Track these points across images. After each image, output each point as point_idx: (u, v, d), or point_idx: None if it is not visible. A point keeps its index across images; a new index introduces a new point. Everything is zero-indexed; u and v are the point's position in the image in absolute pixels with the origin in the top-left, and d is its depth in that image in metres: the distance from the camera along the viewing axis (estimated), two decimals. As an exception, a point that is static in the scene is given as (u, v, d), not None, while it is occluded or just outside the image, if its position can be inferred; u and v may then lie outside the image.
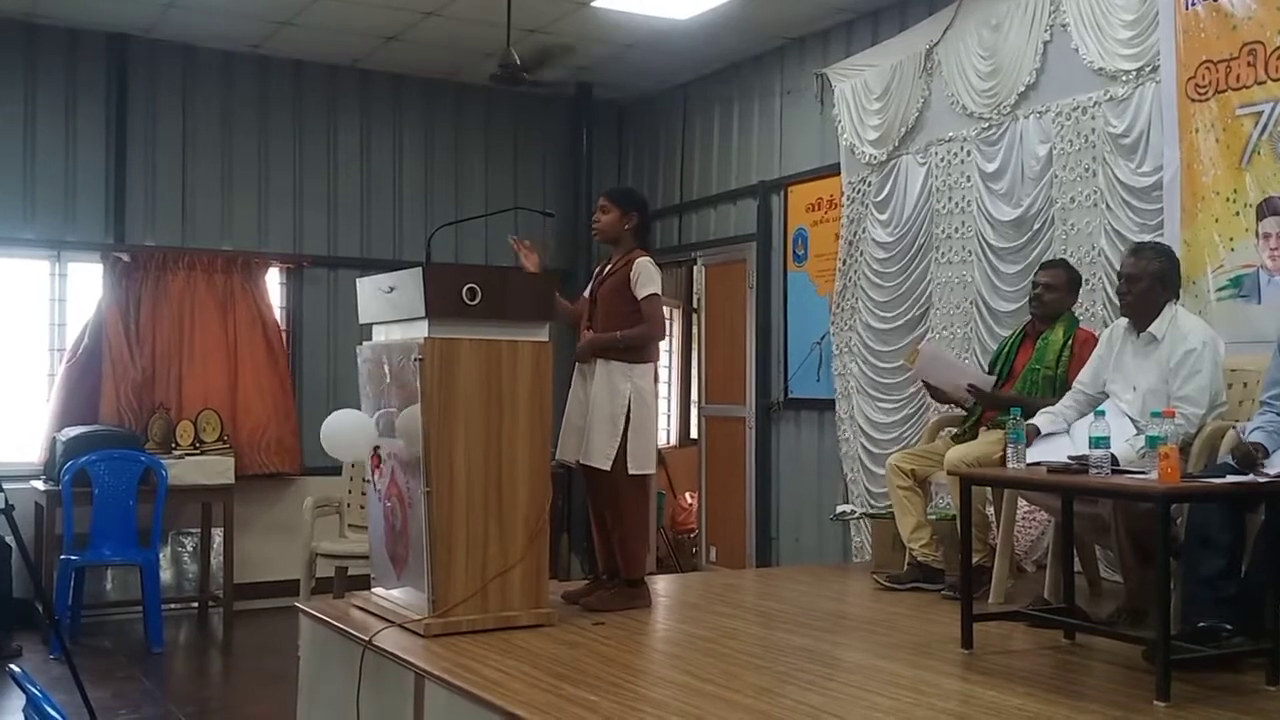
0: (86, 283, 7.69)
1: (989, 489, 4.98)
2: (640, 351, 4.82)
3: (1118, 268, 4.70)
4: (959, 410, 5.37)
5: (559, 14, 7.15)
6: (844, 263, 7.06)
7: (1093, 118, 5.61)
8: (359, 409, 4.80)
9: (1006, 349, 5.32)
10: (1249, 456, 3.75)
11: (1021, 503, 5.10)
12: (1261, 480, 3.62)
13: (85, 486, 6.72)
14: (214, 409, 7.67)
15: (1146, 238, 5.06)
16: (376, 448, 4.57)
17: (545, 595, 4.47)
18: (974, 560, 4.42)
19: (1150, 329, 4.36)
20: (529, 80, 6.86)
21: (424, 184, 8.69)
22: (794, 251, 7.67)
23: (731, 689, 3.58)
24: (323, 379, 8.23)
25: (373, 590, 4.73)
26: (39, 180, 7.54)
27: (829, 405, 7.20)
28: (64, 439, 6.94)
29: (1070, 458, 3.96)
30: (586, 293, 5.06)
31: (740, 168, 8.17)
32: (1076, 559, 4.71)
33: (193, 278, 7.80)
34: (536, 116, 9.06)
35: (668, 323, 10.20)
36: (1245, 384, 4.42)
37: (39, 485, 7.05)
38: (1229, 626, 3.64)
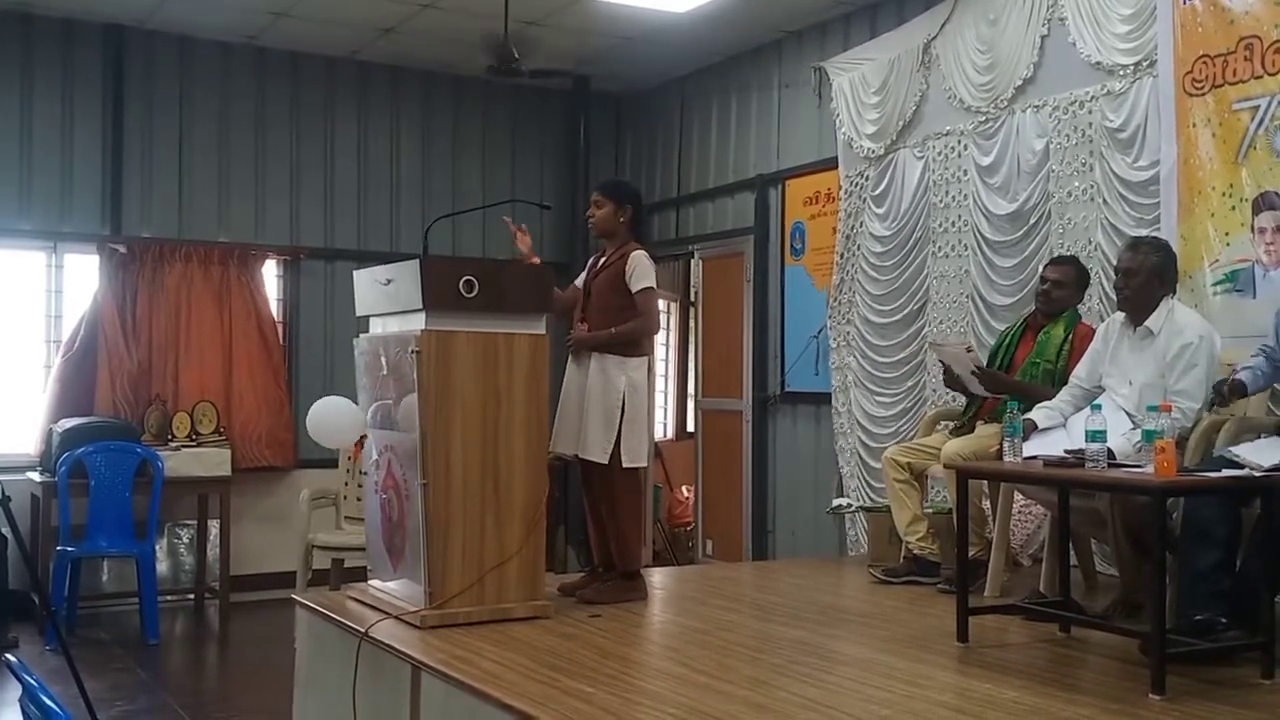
0: (83, 274, 7.68)
1: (985, 483, 4.98)
2: (635, 345, 4.82)
3: (1114, 262, 4.70)
4: (956, 404, 5.38)
5: (557, 6, 7.15)
6: (841, 256, 7.07)
7: (1090, 112, 5.61)
8: (353, 399, 4.81)
9: (1006, 342, 5.31)
10: (1226, 392, 4.02)
11: (1018, 497, 5.11)
12: (1257, 474, 3.63)
13: (81, 478, 6.71)
14: (210, 401, 7.67)
15: (1143, 232, 5.06)
16: (363, 436, 4.56)
17: (542, 587, 4.46)
18: (970, 554, 4.42)
19: (1147, 323, 4.37)
20: (526, 72, 6.84)
21: (421, 176, 8.69)
22: (791, 245, 7.67)
23: (727, 681, 3.58)
24: (319, 371, 8.22)
25: (369, 582, 4.73)
26: (35, 171, 7.52)
27: (826, 399, 7.20)
28: (60, 431, 6.94)
29: (1067, 451, 3.97)
30: (579, 282, 5.06)
31: (738, 161, 8.17)
32: (1073, 553, 4.72)
33: (189, 269, 7.79)
34: (534, 109, 9.05)
35: (663, 315, 10.21)
36: (1241, 378, 4.43)
37: (35, 477, 7.05)
38: (1224, 620, 3.65)
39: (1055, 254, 5.49)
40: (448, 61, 8.36)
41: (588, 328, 4.86)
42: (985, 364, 5.24)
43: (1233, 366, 4.24)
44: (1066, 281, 5.10)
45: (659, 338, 10.05)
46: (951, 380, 5.26)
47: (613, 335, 4.75)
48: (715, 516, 8.41)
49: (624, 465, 4.74)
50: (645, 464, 4.94)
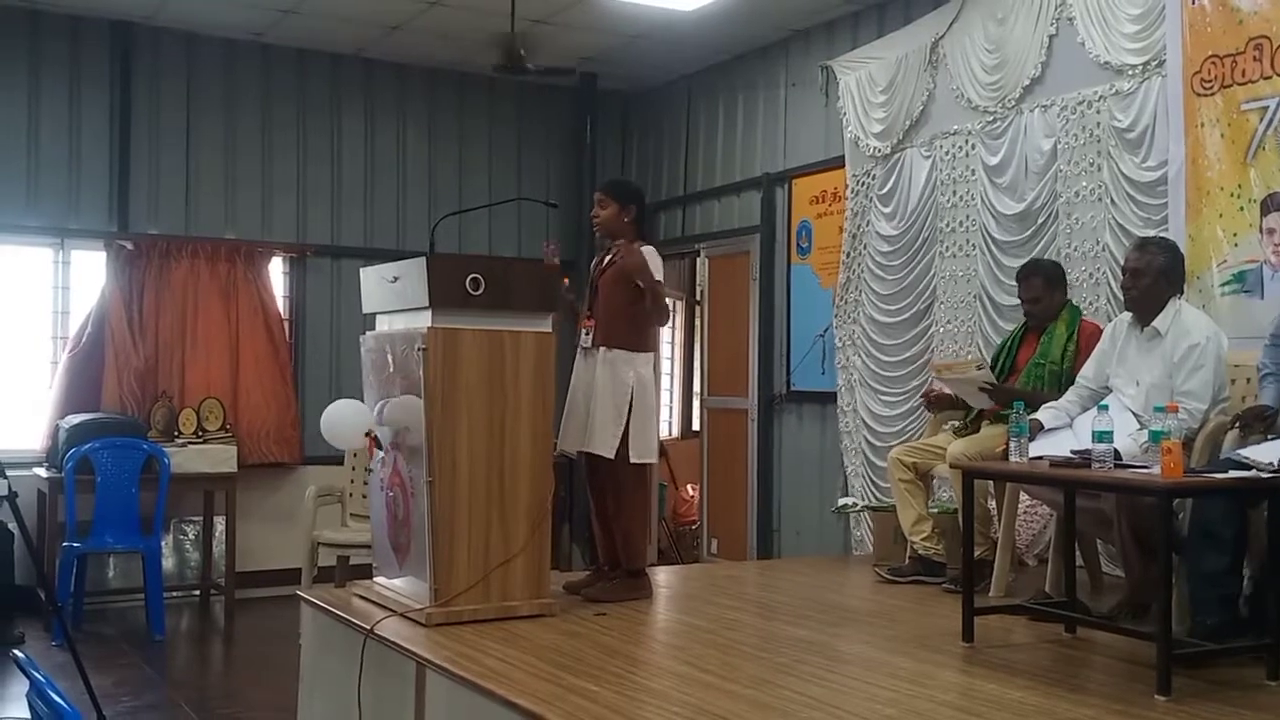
0: (90, 270, 7.69)
1: (991, 483, 4.97)
2: (643, 339, 4.82)
3: (1122, 262, 4.69)
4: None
5: (563, 4, 7.14)
6: (848, 255, 7.06)
7: (1098, 112, 5.60)
8: (361, 398, 4.81)
9: (1008, 344, 5.31)
10: (1257, 419, 3.91)
11: (1023, 497, 5.09)
12: (1264, 475, 3.61)
13: (88, 474, 6.73)
14: (217, 398, 7.68)
15: (1151, 233, 5.05)
16: (369, 431, 4.56)
17: (547, 585, 4.47)
18: (975, 554, 4.42)
19: (1154, 324, 4.36)
20: (533, 70, 6.84)
21: (427, 174, 8.69)
22: (798, 244, 7.66)
23: (732, 680, 3.58)
24: (326, 368, 8.23)
25: (374, 579, 4.74)
26: (43, 168, 7.54)
27: (831, 398, 7.20)
28: (67, 426, 6.95)
29: (1073, 452, 3.96)
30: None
31: (744, 160, 8.16)
32: (1078, 553, 4.71)
33: (196, 266, 7.80)
34: (540, 106, 9.05)
35: (670, 314, 10.19)
36: (1248, 379, 4.41)
37: (42, 472, 7.06)
38: (1234, 623, 3.65)
39: (1028, 262, 5.39)
40: (454, 59, 8.36)
41: (594, 324, 4.86)
42: (989, 369, 5.22)
43: (1256, 369, 4.22)
44: (1038, 295, 5.10)
45: (664, 335, 10.05)
46: (939, 401, 5.28)
47: (655, 284, 4.70)
48: (720, 515, 8.41)
49: (632, 461, 4.73)
50: (653, 460, 4.94)
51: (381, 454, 4.59)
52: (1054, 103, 5.82)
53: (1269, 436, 4.02)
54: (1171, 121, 5.20)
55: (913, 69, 6.64)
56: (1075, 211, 5.69)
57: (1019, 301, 5.27)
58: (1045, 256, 5.63)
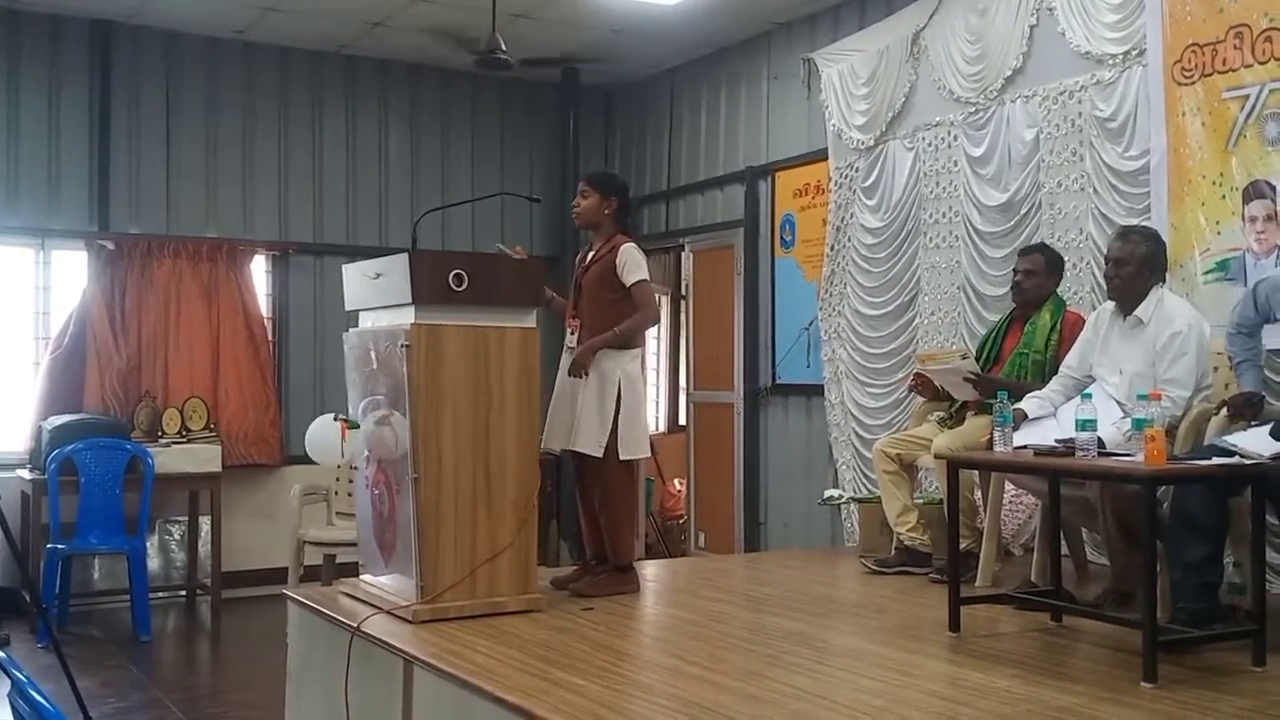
0: (71, 271, 7.65)
1: (976, 474, 4.98)
2: (629, 337, 4.81)
3: (1105, 252, 4.71)
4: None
5: (545, -1, 7.13)
6: (832, 248, 7.06)
7: (1079, 102, 5.61)
8: (345, 396, 4.79)
9: (993, 334, 5.32)
10: (1246, 405, 3.92)
11: (1008, 486, 5.11)
12: (1246, 462, 3.63)
13: (71, 475, 6.70)
14: (200, 397, 7.65)
15: (1134, 222, 5.06)
16: (337, 415, 4.56)
17: (534, 581, 4.46)
18: (961, 546, 4.42)
19: (1136, 312, 4.37)
20: (513, 64, 6.82)
21: (410, 170, 8.67)
22: (782, 237, 7.66)
23: (719, 672, 3.58)
24: (309, 366, 8.20)
25: (361, 577, 4.72)
26: (22, 168, 7.49)
27: (817, 390, 7.21)
28: (50, 427, 6.92)
29: (1057, 441, 3.97)
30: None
31: (727, 153, 8.16)
32: (1064, 542, 4.73)
33: (178, 265, 7.77)
34: (523, 101, 9.03)
35: (659, 316, 10.18)
36: (1231, 367, 4.43)
37: (25, 474, 7.02)
38: (1232, 607, 3.68)
39: (1036, 243, 5.45)
40: (436, 55, 8.34)
41: (579, 324, 4.83)
42: (973, 359, 5.23)
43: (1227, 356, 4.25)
44: (1035, 270, 5.12)
45: (650, 330, 10.03)
46: (927, 385, 5.28)
47: (616, 335, 4.71)
48: (707, 509, 8.41)
49: (622, 458, 4.72)
50: (645, 455, 4.93)
51: (366, 451, 4.57)
52: (1035, 93, 5.83)
53: (1254, 422, 4.04)
54: (1153, 110, 5.21)
55: (894, 61, 6.64)
56: (1058, 201, 5.71)
57: (1011, 281, 5.24)
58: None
